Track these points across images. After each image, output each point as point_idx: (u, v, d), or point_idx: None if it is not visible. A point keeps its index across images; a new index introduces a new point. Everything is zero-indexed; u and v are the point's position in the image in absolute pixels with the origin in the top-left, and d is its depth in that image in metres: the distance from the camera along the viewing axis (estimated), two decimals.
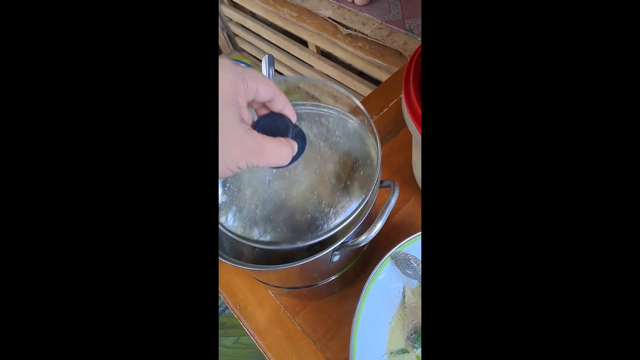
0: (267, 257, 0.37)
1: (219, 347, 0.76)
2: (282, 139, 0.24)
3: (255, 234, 0.39)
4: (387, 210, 0.30)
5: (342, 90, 0.34)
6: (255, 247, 0.38)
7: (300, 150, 0.26)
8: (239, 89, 0.22)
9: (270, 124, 0.25)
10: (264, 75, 0.24)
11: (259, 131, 0.23)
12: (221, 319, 0.80)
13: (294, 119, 0.26)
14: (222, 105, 0.21)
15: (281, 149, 0.24)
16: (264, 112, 0.26)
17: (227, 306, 0.81)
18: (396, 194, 0.31)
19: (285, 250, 0.37)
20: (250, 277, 0.43)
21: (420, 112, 0.37)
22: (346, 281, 0.41)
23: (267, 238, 0.38)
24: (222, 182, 0.37)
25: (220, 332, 0.78)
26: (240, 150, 0.21)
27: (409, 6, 0.84)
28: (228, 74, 0.21)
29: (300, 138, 0.26)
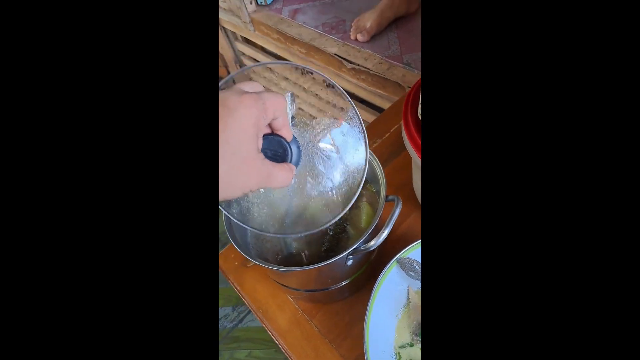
0: (288, 263, 0.42)
1: None
2: (285, 164, 0.28)
3: (282, 240, 0.44)
4: (393, 219, 0.36)
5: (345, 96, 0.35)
6: (278, 255, 0.43)
7: (298, 159, 0.31)
8: (260, 123, 0.24)
9: (272, 148, 0.28)
10: (277, 94, 0.26)
11: (264, 156, 0.26)
12: (234, 333, 0.83)
13: (289, 138, 0.29)
14: (247, 140, 0.24)
15: (285, 174, 0.28)
16: (265, 128, 0.28)
17: (240, 319, 0.84)
18: (399, 206, 0.37)
19: (306, 254, 0.42)
20: (271, 283, 0.48)
21: (417, 138, 0.43)
22: (356, 287, 0.46)
23: (293, 247, 0.44)
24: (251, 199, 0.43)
25: (233, 345, 0.81)
26: (255, 177, 0.25)
27: (406, 42, 0.94)
28: (254, 110, 0.24)
29: (297, 148, 0.30)
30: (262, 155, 0.26)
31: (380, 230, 0.36)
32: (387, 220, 0.36)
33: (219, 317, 0.85)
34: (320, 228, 0.34)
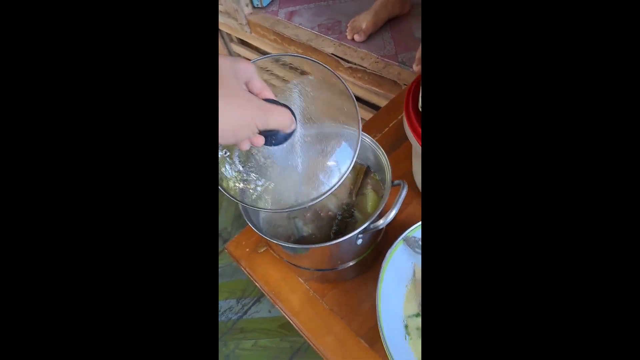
0: (301, 243, 0.45)
1: (238, 351, 0.81)
2: (280, 107, 0.29)
3: (293, 225, 0.47)
4: (400, 200, 0.39)
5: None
6: (290, 238, 0.46)
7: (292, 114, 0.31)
8: (235, 67, 0.26)
9: None
10: (247, 60, 0.28)
11: None
12: (239, 324, 0.85)
13: (273, 97, 0.30)
14: (227, 76, 0.24)
15: (282, 110, 0.28)
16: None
17: (245, 311, 0.87)
18: (406, 188, 0.40)
19: (317, 237, 0.45)
20: (282, 267, 0.51)
21: (418, 127, 0.47)
22: (363, 267, 0.49)
23: (304, 230, 0.47)
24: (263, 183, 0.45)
25: (239, 335, 0.83)
26: (253, 109, 0.26)
27: (400, 43, 0.98)
28: (226, 60, 0.25)
29: (287, 107, 0.31)
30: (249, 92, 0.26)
31: (388, 211, 0.39)
32: (395, 201, 0.39)
33: (224, 309, 0.87)
34: (314, 202, 0.35)
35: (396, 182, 0.42)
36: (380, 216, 0.40)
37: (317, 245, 0.39)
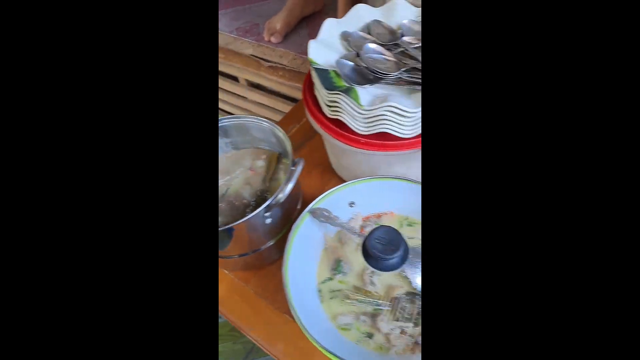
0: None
1: None
2: None
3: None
4: (295, 175, 0.42)
5: None
6: None
7: None
8: None
9: None
10: None
11: None
12: None
13: None
14: None
15: None
16: None
17: None
18: (301, 164, 0.43)
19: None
20: None
21: (317, 112, 0.50)
22: (283, 248, 0.51)
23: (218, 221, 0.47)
24: None
25: None
26: None
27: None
28: None
29: None
30: None
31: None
32: (290, 175, 0.42)
33: None
34: None
35: (295, 160, 0.45)
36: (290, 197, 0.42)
37: (226, 227, 0.40)
